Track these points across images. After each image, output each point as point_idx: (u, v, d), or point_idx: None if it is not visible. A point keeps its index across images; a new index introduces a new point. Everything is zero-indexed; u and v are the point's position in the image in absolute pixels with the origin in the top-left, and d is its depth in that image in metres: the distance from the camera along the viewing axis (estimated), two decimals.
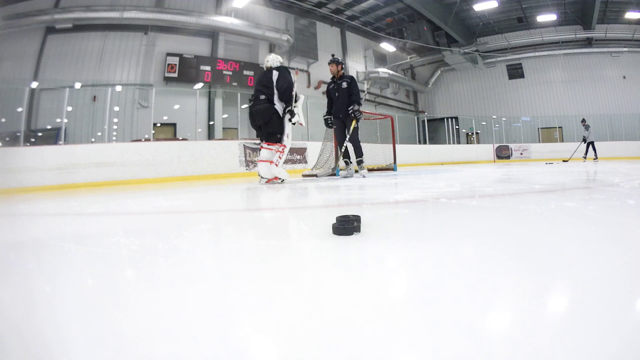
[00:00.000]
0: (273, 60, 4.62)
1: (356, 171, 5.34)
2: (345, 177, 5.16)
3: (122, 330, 0.54)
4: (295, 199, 2.84)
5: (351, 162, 5.29)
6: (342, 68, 5.29)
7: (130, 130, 10.91)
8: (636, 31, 16.25)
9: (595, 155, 12.27)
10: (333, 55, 5.37)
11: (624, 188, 2.37)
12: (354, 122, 5.10)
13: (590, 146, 12.21)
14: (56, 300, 0.72)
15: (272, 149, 4.48)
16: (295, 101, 4.54)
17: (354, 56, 17.85)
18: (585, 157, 12.22)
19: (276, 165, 4.46)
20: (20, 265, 1.04)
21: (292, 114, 4.50)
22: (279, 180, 4.54)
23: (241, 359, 0.45)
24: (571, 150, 13.04)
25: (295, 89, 4.56)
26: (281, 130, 4.50)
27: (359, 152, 5.24)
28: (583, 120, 12.53)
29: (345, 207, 2.04)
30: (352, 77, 5.35)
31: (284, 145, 4.52)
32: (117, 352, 0.48)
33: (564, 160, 10.57)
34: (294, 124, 4.57)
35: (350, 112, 5.04)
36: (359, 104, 5.14)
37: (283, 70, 4.54)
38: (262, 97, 4.44)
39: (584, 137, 12.21)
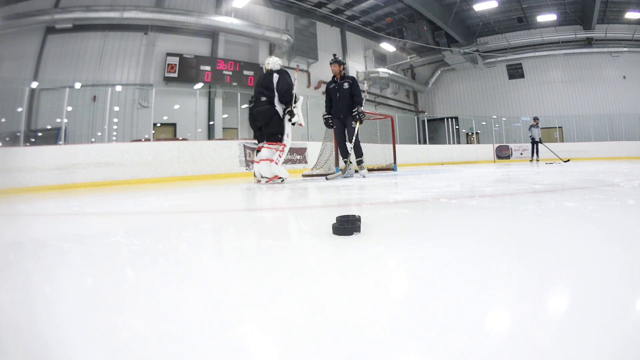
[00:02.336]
0: (274, 63, 4.74)
1: (356, 171, 5.34)
2: (345, 177, 5.18)
3: (121, 330, 0.54)
4: (295, 199, 2.84)
5: (351, 162, 5.32)
6: (343, 68, 5.32)
7: (130, 130, 10.90)
8: (636, 31, 16.24)
9: (537, 156, 11.83)
10: (335, 55, 5.38)
11: (624, 188, 2.37)
12: (357, 124, 5.11)
13: (535, 146, 11.86)
14: (56, 300, 0.72)
15: (272, 148, 4.58)
16: (295, 102, 4.62)
17: (354, 56, 17.85)
18: (538, 159, 11.69)
19: (276, 163, 4.54)
20: (20, 265, 1.04)
21: (292, 114, 4.61)
22: (279, 180, 4.60)
23: (241, 359, 0.45)
24: (570, 150, 13.03)
25: (295, 90, 4.65)
26: (282, 131, 4.62)
27: (358, 152, 5.26)
28: (536, 118, 12.03)
29: (345, 207, 2.04)
30: (353, 78, 5.36)
31: (284, 145, 4.63)
32: (116, 352, 0.48)
33: (547, 162, 10.39)
34: (293, 124, 4.67)
35: (354, 113, 5.05)
36: (361, 105, 5.17)
37: (283, 73, 4.66)
38: (263, 98, 4.55)
39: (539, 138, 11.75)
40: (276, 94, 4.56)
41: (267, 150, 4.55)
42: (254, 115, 4.65)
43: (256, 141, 4.87)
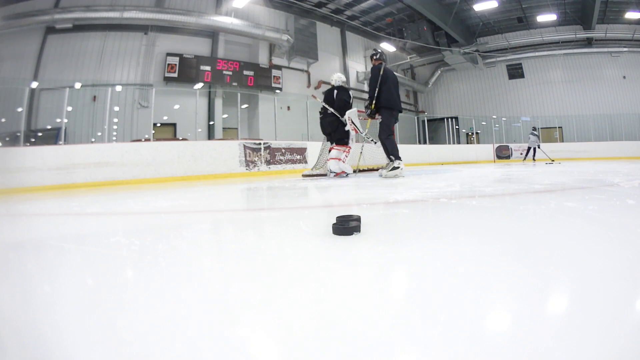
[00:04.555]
0: (336, 80, 5.65)
1: (395, 168, 4.78)
2: (383, 177, 4.71)
3: (121, 330, 0.54)
4: (295, 199, 2.84)
5: (399, 159, 4.87)
6: (373, 60, 5.20)
7: (130, 130, 10.90)
8: (636, 31, 16.24)
9: (533, 157, 13.15)
10: (374, 50, 5.45)
11: (624, 188, 2.37)
12: (368, 120, 5.06)
13: (532, 151, 13.13)
14: (56, 301, 0.72)
15: (340, 150, 5.52)
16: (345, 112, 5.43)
17: (354, 56, 17.86)
18: (535, 158, 13.07)
19: (343, 162, 5.49)
20: (20, 265, 1.04)
21: (344, 123, 5.43)
22: (345, 174, 5.42)
23: (240, 359, 0.45)
24: (570, 150, 13.10)
25: (351, 102, 5.54)
26: (347, 136, 5.52)
27: (387, 150, 4.93)
28: (534, 128, 13.35)
29: (345, 207, 2.04)
30: (373, 67, 5.12)
31: (350, 147, 5.58)
32: (116, 352, 0.48)
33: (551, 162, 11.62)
34: (347, 130, 5.49)
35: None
36: (369, 99, 4.99)
37: (341, 90, 5.55)
38: (329, 111, 5.50)
39: (538, 145, 13.01)
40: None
41: (335, 151, 5.50)
42: (323, 124, 5.68)
43: (328, 143, 5.81)
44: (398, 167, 4.77)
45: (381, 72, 4.98)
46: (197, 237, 1.38)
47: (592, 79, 17.92)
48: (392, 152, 4.91)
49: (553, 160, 12.19)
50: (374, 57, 5.25)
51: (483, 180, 3.58)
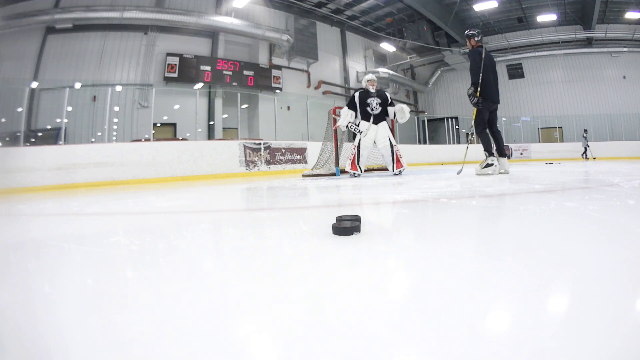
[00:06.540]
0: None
1: (488, 165, 4.35)
2: (485, 174, 4.29)
3: (121, 331, 0.54)
4: (295, 199, 2.84)
5: (493, 155, 4.45)
6: (476, 41, 4.52)
7: (130, 130, 10.90)
8: (636, 31, 16.24)
9: (586, 155, 14.61)
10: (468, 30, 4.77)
11: (624, 188, 2.37)
12: (474, 110, 4.50)
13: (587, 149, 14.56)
14: (56, 300, 0.72)
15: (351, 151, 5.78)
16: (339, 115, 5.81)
17: (354, 56, 17.85)
18: (587, 157, 14.57)
19: (349, 160, 5.73)
20: (20, 265, 1.04)
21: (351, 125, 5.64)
22: (350, 173, 5.61)
23: (241, 359, 0.45)
24: (571, 150, 13.16)
25: (346, 109, 5.67)
26: (354, 136, 5.72)
27: (483, 144, 4.46)
28: (585, 130, 15.03)
29: (345, 207, 2.04)
30: (472, 51, 4.51)
31: (354, 146, 5.70)
32: (117, 352, 0.48)
33: (594, 158, 13.44)
34: (352, 131, 5.75)
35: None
36: (473, 85, 4.43)
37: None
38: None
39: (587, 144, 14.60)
40: None
41: (349, 152, 5.75)
42: None
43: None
44: (492, 164, 4.34)
45: (483, 57, 4.41)
46: (197, 237, 1.38)
47: (592, 79, 17.92)
48: (485, 148, 4.49)
49: (595, 158, 13.51)
50: (474, 39, 4.54)
51: (483, 180, 3.58)
